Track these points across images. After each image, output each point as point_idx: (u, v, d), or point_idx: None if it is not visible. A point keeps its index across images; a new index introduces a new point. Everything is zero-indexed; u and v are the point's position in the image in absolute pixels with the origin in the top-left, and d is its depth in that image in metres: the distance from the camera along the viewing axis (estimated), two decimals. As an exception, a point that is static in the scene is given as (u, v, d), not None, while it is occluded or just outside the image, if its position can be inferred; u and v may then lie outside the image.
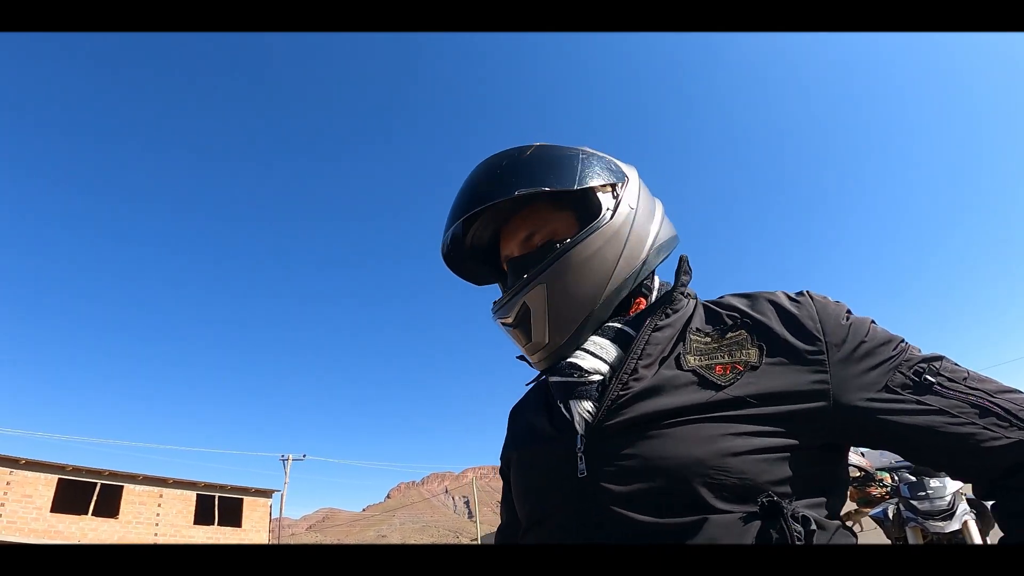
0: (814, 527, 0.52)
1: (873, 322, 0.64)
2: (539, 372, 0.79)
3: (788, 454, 0.57)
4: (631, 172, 0.79)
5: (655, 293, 0.76)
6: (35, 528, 16.98)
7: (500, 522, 0.90)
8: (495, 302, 0.78)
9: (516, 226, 0.79)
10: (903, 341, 0.62)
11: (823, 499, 0.59)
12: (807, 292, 0.66)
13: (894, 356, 0.60)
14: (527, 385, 0.83)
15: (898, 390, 0.58)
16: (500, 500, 0.89)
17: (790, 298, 0.66)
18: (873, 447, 0.62)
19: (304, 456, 27.85)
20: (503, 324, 0.78)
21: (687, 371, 0.63)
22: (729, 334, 0.65)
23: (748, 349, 0.63)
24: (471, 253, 0.87)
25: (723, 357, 0.63)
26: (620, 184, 0.76)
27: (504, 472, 0.83)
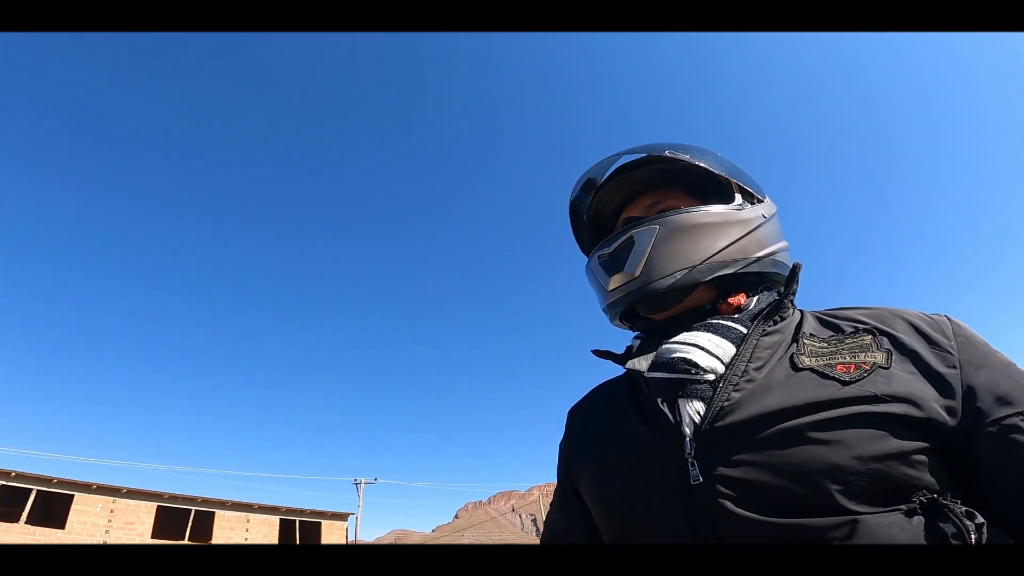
0: (981, 520, 0.49)
1: (1017, 364, 0.60)
2: (628, 367, 0.71)
3: (926, 459, 0.53)
4: (772, 204, 0.82)
5: (756, 300, 0.72)
6: (140, 553, 18.38)
7: (550, 522, 0.80)
8: (601, 242, 0.77)
9: (646, 197, 0.80)
10: None
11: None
12: (946, 315, 0.64)
13: None
14: (628, 362, 0.73)
15: None
16: (553, 502, 0.81)
17: (923, 315, 0.63)
18: (990, 484, 0.56)
19: (376, 479, 28.63)
20: (599, 258, 0.76)
21: (803, 370, 0.59)
22: (849, 340, 0.62)
23: (874, 352, 0.59)
24: (591, 215, 0.88)
25: (845, 357, 0.60)
26: (760, 199, 0.79)
27: (567, 475, 0.77)
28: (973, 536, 0.48)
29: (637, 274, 0.70)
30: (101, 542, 17.63)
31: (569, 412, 0.82)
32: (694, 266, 0.69)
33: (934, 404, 0.55)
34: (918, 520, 0.50)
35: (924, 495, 0.51)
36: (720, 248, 0.70)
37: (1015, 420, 0.54)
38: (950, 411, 0.55)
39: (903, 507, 0.51)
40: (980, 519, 0.49)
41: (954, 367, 0.57)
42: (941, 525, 0.49)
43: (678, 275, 0.68)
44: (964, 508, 0.50)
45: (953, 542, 0.48)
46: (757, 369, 0.61)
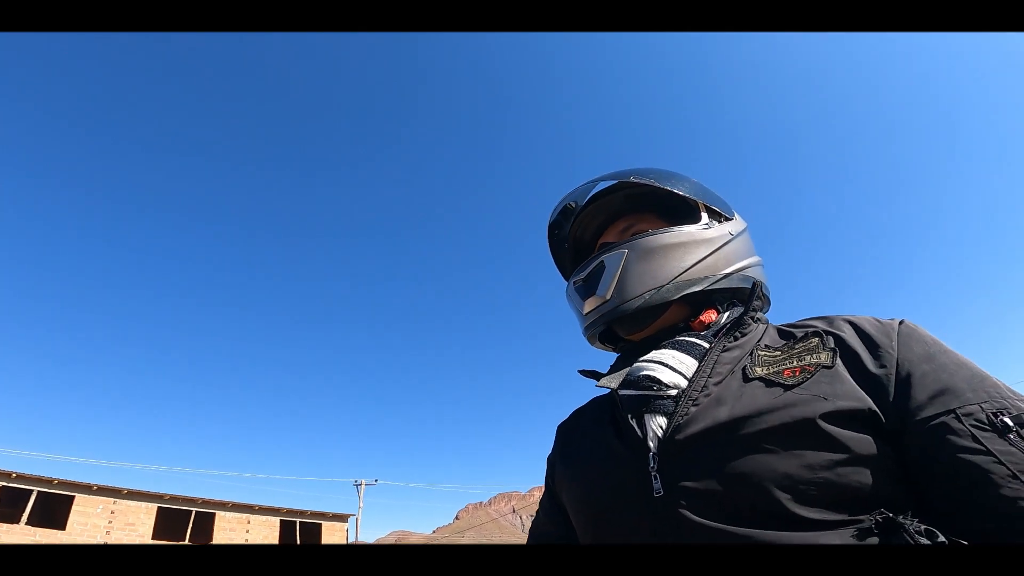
0: (943, 539, 0.48)
1: (974, 365, 0.58)
2: (600, 385, 0.75)
3: (876, 463, 0.53)
4: (742, 220, 0.85)
5: (727, 316, 0.75)
6: (140, 554, 18.34)
7: (537, 529, 0.83)
8: (576, 269, 0.82)
9: (620, 222, 0.85)
10: (1007, 389, 0.56)
11: (925, 515, 0.53)
12: (902, 319, 0.64)
13: (979, 392, 0.54)
14: (600, 382, 0.77)
15: (962, 419, 0.52)
16: (539, 509, 0.85)
17: (874, 320, 0.64)
18: (919, 481, 0.55)
19: (376, 481, 28.59)
20: (574, 284, 0.81)
21: (753, 379, 0.61)
22: (799, 345, 0.64)
23: (819, 352, 0.61)
24: (572, 242, 0.93)
25: (793, 362, 0.62)
26: (728, 218, 0.82)
27: (550, 486, 0.82)
28: None
29: (608, 296, 0.74)
30: (102, 543, 17.63)
31: (558, 427, 0.86)
32: (662, 286, 0.72)
33: (871, 406, 0.55)
34: (872, 541, 0.50)
35: (881, 513, 0.50)
36: (687, 267, 0.73)
37: (946, 419, 0.53)
38: (885, 411, 0.55)
39: (862, 521, 0.51)
40: (941, 538, 0.48)
41: (889, 367, 0.58)
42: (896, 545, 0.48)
43: (647, 295, 0.72)
44: (924, 527, 0.49)
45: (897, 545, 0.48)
46: (716, 384, 0.63)
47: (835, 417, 0.54)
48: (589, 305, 0.77)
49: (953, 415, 0.53)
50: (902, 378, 0.57)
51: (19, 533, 16.34)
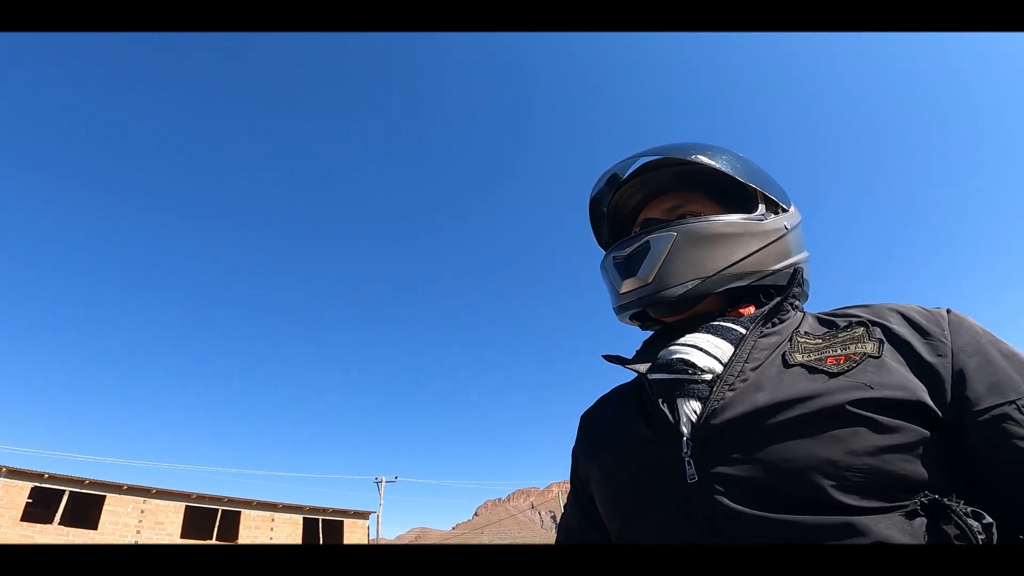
0: (989, 520, 0.47)
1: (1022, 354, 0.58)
2: (628, 368, 0.74)
3: (922, 451, 0.52)
4: (797, 212, 0.81)
5: (767, 308, 0.73)
6: (169, 552, 18.86)
7: (564, 523, 0.82)
8: (617, 243, 0.77)
9: (667, 198, 0.80)
10: None
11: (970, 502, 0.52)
12: (948, 308, 0.62)
13: None
14: (631, 362, 0.74)
15: (1023, 409, 0.52)
16: (567, 505, 0.83)
17: (921, 309, 0.63)
18: (979, 476, 0.54)
19: (396, 478, 28.95)
20: (613, 260, 0.76)
21: (793, 366, 0.60)
22: (843, 334, 0.62)
23: (865, 342, 0.60)
24: (611, 211, 0.89)
25: (836, 350, 0.60)
26: (784, 208, 0.78)
27: (578, 477, 0.79)
28: (980, 538, 0.46)
29: (649, 280, 0.70)
30: (133, 542, 18.15)
31: (581, 417, 0.84)
32: (707, 277, 0.69)
33: (923, 393, 0.54)
34: (920, 522, 0.49)
35: (926, 495, 0.50)
36: (736, 260, 0.70)
37: (1006, 409, 0.52)
38: (940, 400, 0.54)
39: (906, 505, 0.50)
40: (988, 519, 0.47)
41: (944, 356, 0.57)
42: (944, 527, 0.48)
43: (689, 285, 0.69)
44: (970, 508, 0.48)
45: (956, 544, 0.47)
46: (753, 369, 0.61)
47: (881, 405, 0.53)
48: (627, 286, 0.72)
49: (1014, 405, 0.53)
50: (958, 368, 0.56)
51: (52, 533, 16.91)
